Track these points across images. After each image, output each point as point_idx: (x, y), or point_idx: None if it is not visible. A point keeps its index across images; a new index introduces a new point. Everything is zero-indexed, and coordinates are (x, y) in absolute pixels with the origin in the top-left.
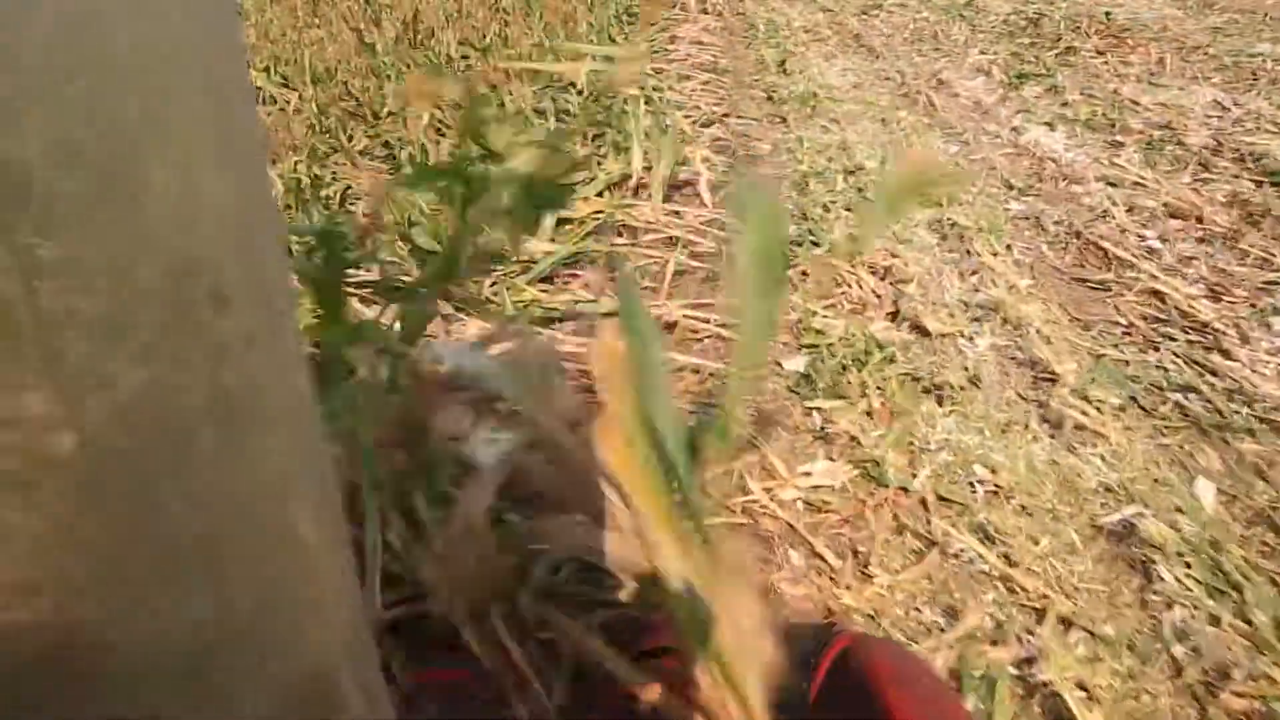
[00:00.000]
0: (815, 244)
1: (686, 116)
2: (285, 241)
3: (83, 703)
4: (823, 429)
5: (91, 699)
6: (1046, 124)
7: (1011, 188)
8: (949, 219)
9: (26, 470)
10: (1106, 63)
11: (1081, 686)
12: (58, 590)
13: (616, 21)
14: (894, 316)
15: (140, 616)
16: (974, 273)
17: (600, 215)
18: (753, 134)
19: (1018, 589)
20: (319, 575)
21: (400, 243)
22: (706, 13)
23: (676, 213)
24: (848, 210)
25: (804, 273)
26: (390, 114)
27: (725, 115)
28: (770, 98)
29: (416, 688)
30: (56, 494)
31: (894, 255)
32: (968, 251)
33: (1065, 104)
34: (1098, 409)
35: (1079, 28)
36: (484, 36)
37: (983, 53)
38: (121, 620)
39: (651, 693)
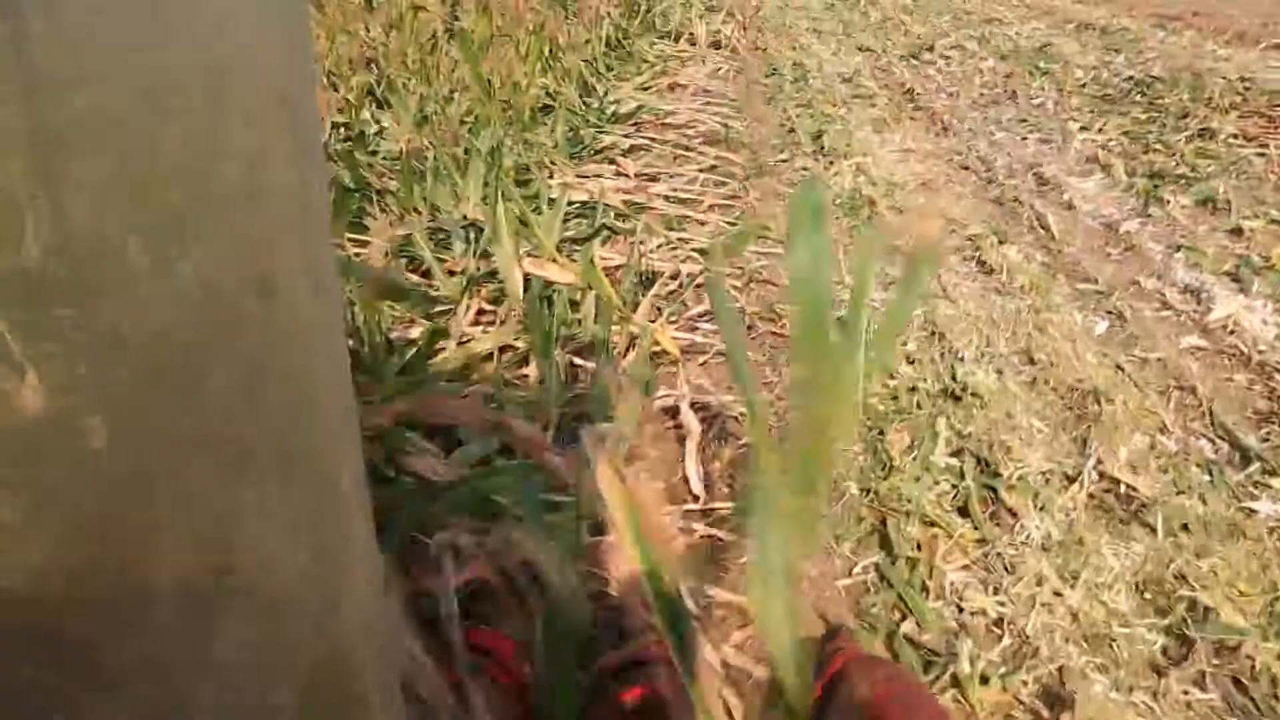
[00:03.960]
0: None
1: (667, 276)
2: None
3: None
4: None
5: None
6: (1231, 278)
7: (1247, 456)
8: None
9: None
10: (1264, 154)
11: None
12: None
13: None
14: None
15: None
16: None
17: None
18: (778, 283)
19: None
20: (354, 543)
21: None
22: (718, 47)
23: None
24: (963, 514)
25: None
26: None
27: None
28: None
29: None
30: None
31: None
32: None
33: (1239, 233)
34: None
35: (1206, 97)
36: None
37: (1085, 129)
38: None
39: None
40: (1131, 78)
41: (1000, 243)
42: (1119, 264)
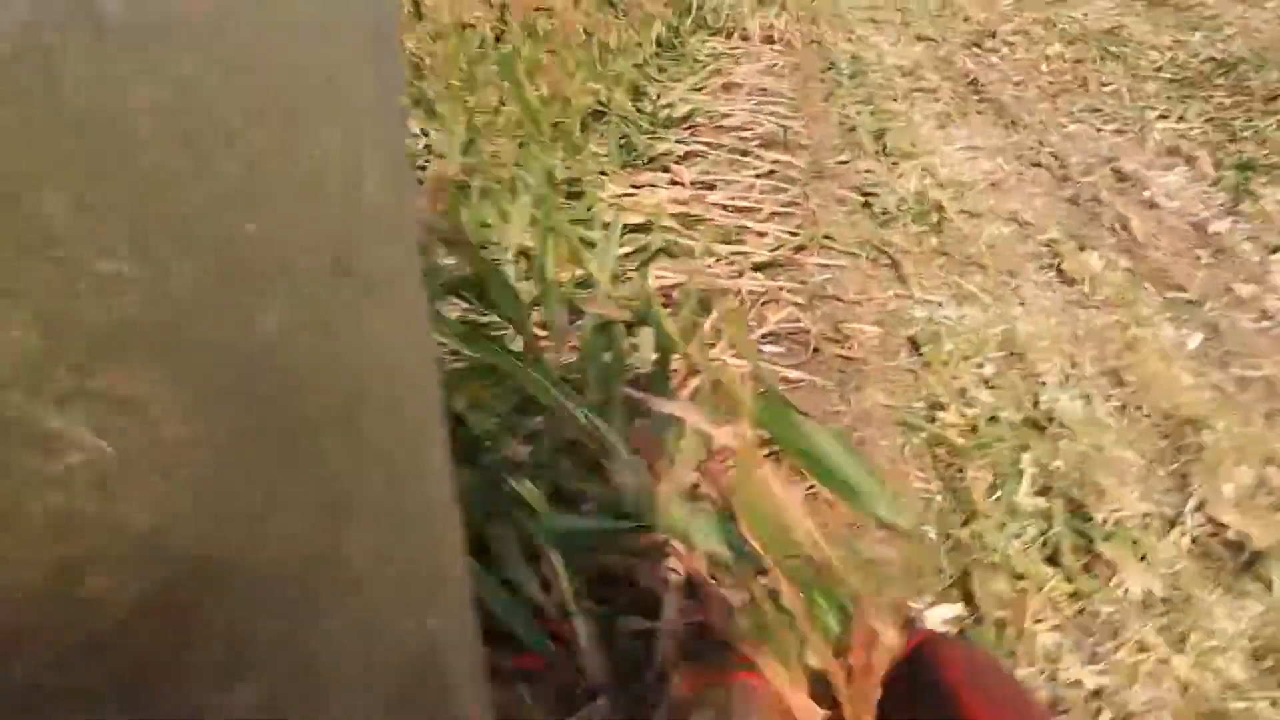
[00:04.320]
0: None
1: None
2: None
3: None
4: None
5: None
6: None
7: None
8: None
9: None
10: None
11: None
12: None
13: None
14: None
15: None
16: None
17: None
18: (845, 299)
19: None
20: (441, 545)
21: None
22: (772, 42)
23: None
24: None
25: None
26: None
27: (797, 252)
28: (867, 204)
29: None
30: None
31: None
32: None
33: None
34: None
35: None
36: None
37: (1164, 117)
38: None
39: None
40: (1212, 59)
41: (1080, 249)
42: (1211, 268)
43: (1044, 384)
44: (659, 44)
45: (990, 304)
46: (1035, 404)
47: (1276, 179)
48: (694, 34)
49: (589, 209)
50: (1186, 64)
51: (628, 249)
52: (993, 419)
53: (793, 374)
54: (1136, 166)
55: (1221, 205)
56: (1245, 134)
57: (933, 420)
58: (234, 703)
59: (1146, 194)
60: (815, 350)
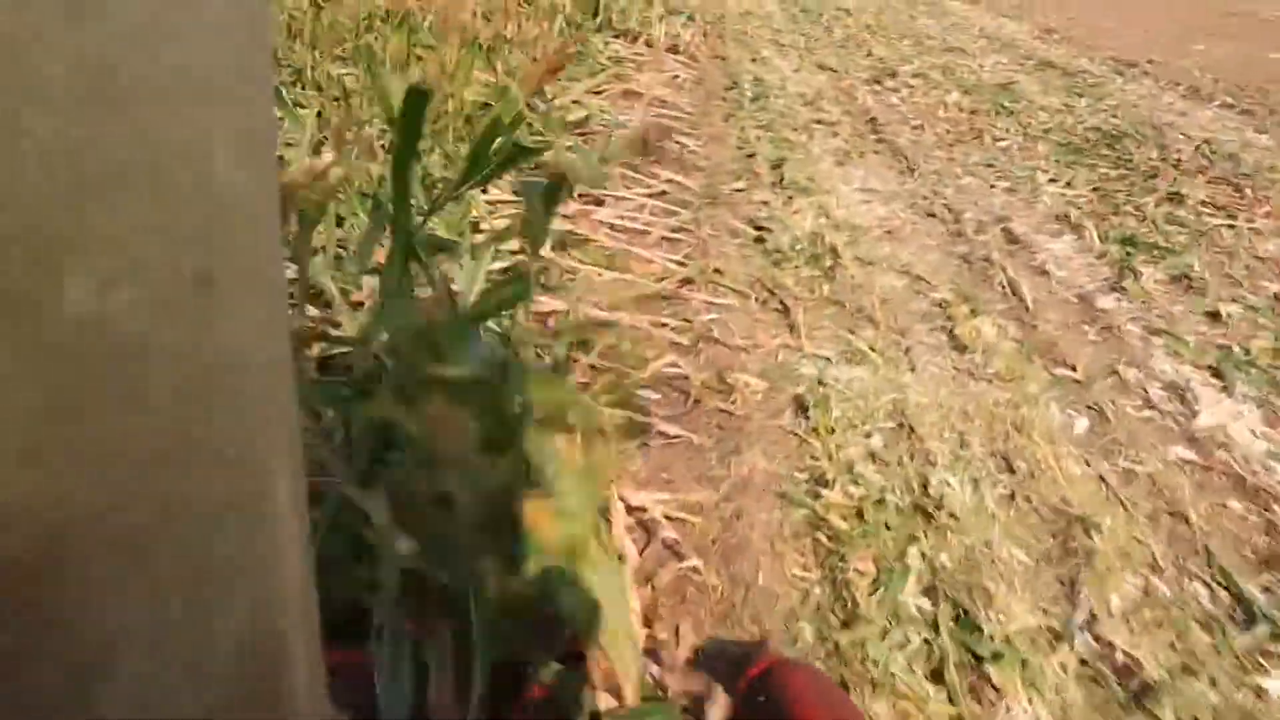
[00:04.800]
0: None
1: (604, 328)
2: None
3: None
4: None
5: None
6: (1213, 373)
7: (1250, 612)
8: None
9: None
10: (1234, 226)
11: None
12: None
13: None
14: None
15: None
16: None
17: None
18: (731, 344)
19: None
20: (279, 526)
21: None
22: (677, 52)
23: None
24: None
25: None
26: None
27: (684, 285)
28: (760, 239)
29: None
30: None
31: None
32: None
33: (1216, 317)
34: None
35: (1174, 159)
36: None
37: (1054, 181)
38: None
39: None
40: (1098, 128)
41: (972, 312)
42: (1097, 346)
43: (933, 463)
44: (562, 39)
45: (881, 366)
46: (924, 486)
47: (1156, 259)
48: (598, 33)
49: (461, 218)
50: (1074, 129)
51: (501, 264)
52: (879, 501)
53: (670, 428)
54: (1027, 230)
55: (1106, 280)
56: (1128, 208)
57: (816, 496)
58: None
59: (1037, 259)
60: (696, 401)
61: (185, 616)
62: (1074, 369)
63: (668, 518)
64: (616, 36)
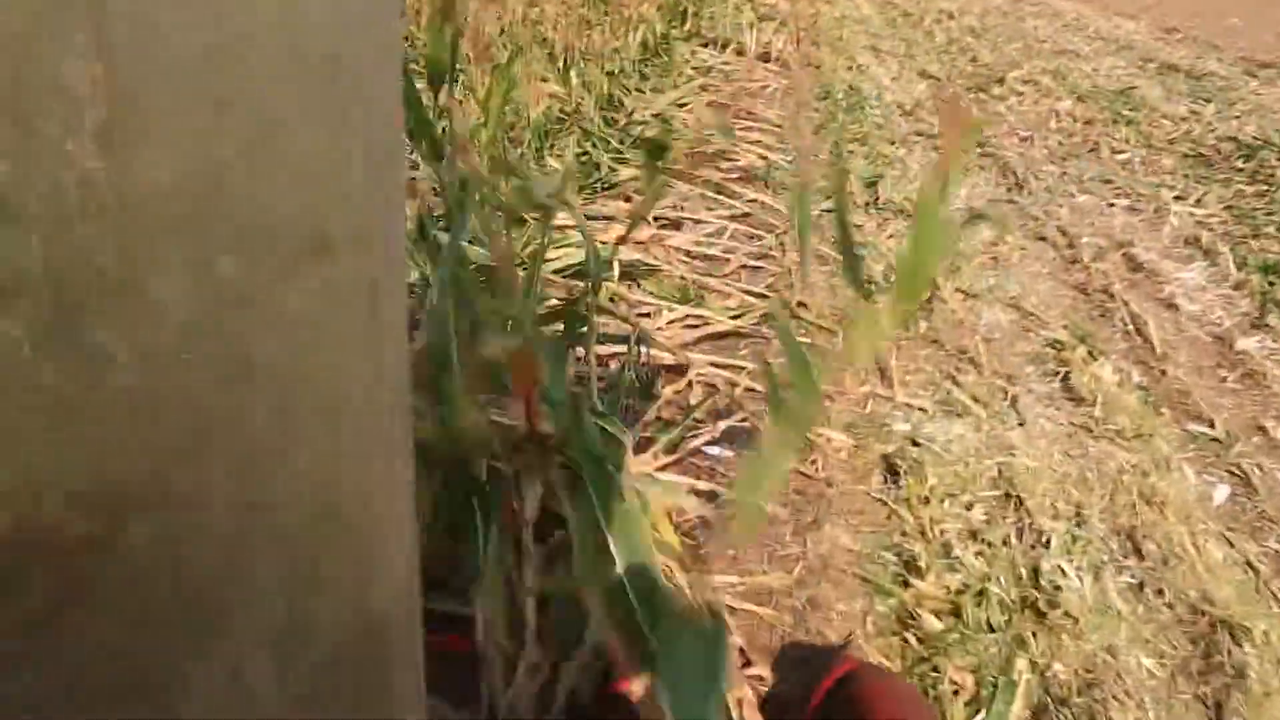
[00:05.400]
0: None
1: (673, 376)
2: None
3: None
4: None
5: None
6: None
7: None
8: None
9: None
10: None
11: None
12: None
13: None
14: None
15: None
16: None
17: None
18: None
19: None
20: (384, 516)
21: None
22: (767, 60)
23: None
24: None
25: None
26: None
27: (765, 320)
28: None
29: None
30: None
31: None
32: None
33: None
34: None
35: None
36: None
37: (1181, 198)
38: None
39: None
40: (1231, 138)
41: (1089, 355)
42: (1237, 396)
43: (1045, 544)
44: (644, 48)
45: (984, 420)
46: (1035, 574)
47: None
48: (686, 41)
49: (523, 246)
50: (1202, 139)
51: (561, 296)
52: (980, 593)
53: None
54: (1152, 256)
55: (1246, 315)
56: (1269, 230)
57: (906, 584)
58: (157, 647)
59: (1164, 291)
60: None
61: (284, 610)
62: (1211, 424)
63: (731, 609)
64: (705, 45)
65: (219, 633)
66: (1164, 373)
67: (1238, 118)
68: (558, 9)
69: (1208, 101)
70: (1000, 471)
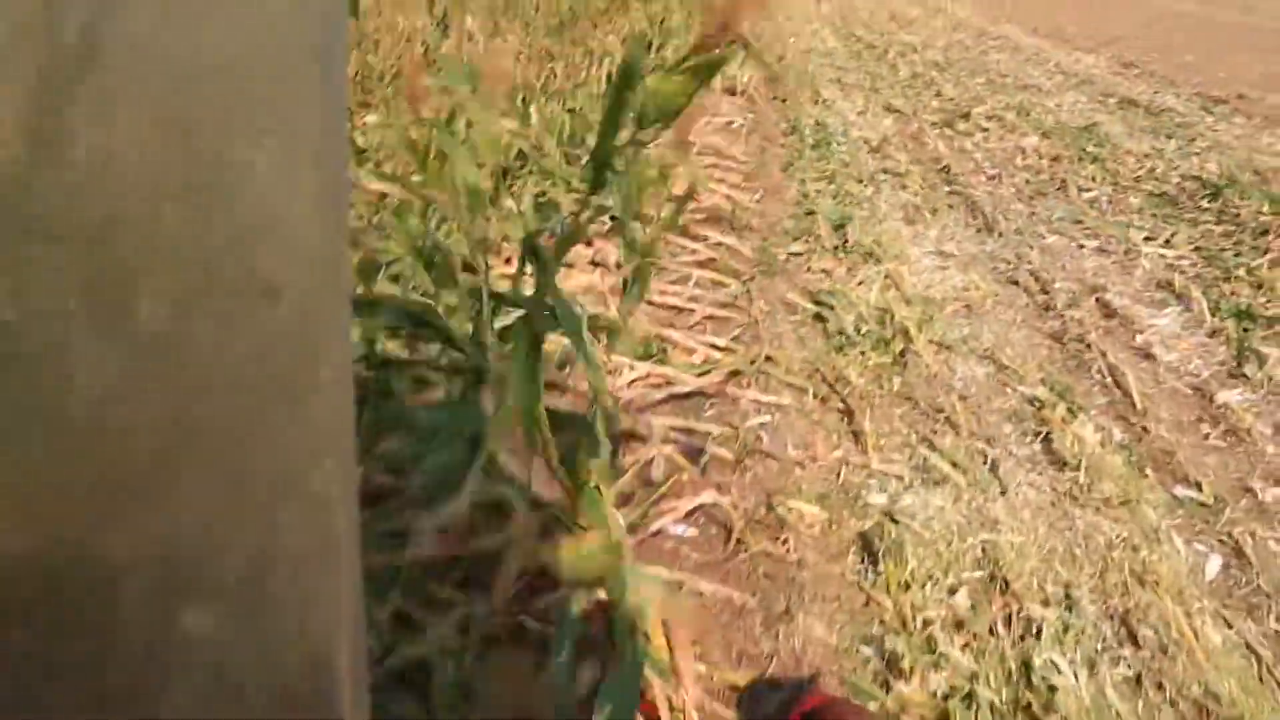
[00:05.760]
0: None
1: (634, 444)
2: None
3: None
4: None
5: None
6: None
7: None
8: None
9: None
10: None
11: None
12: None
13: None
14: None
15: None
16: None
17: None
18: (782, 457)
19: None
20: (332, 542)
21: None
22: (734, 94)
23: None
24: None
25: None
26: None
27: (732, 377)
28: (820, 317)
29: None
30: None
31: None
32: None
33: None
34: None
35: None
36: None
37: (1150, 239)
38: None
39: None
40: (1195, 176)
41: (1070, 412)
42: (1222, 454)
43: (1036, 633)
44: (608, 83)
45: (964, 489)
46: (1026, 670)
47: (1279, 335)
48: (649, 74)
49: (470, 293)
50: (1166, 177)
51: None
52: (968, 696)
53: (704, 584)
54: (1125, 301)
55: (1223, 364)
56: (1239, 272)
57: (887, 687)
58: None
59: (1140, 339)
60: (738, 542)
61: (237, 639)
62: (1199, 487)
63: (700, 709)
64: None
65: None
66: (1146, 430)
67: (1198, 154)
68: (520, 40)
69: (1169, 138)
70: (984, 550)
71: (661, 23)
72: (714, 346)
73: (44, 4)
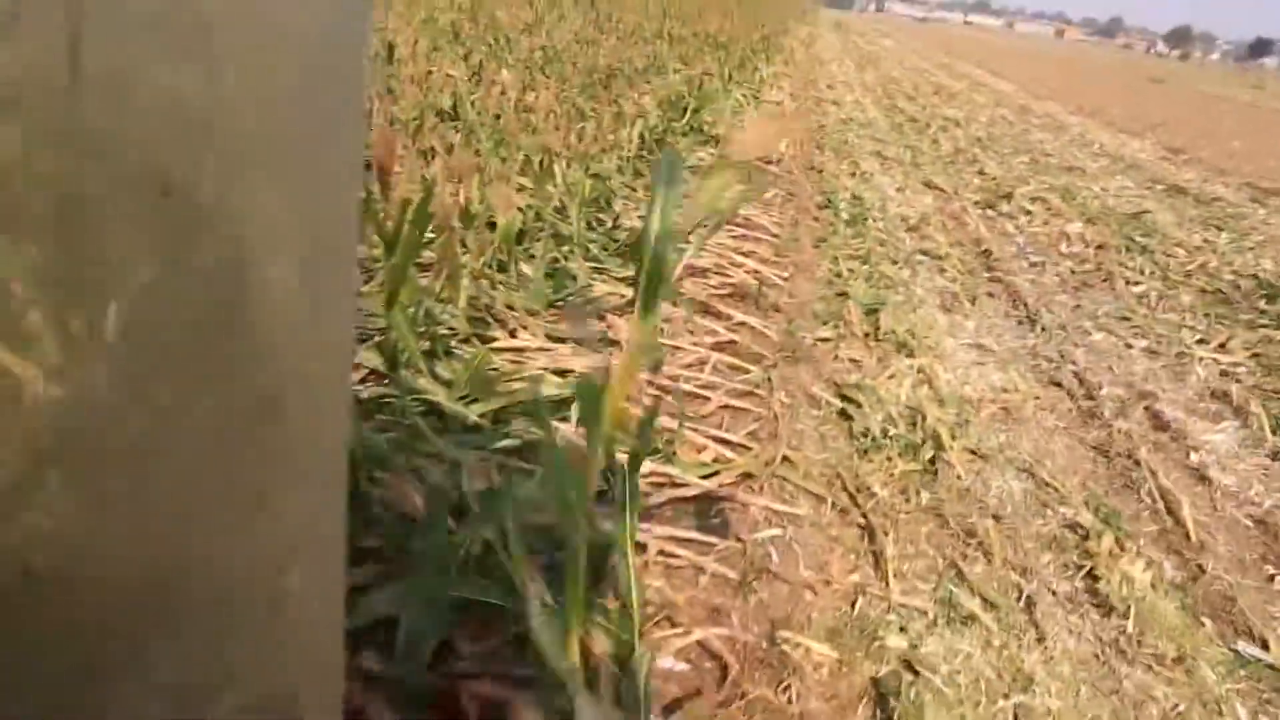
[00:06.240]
0: None
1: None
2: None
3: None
4: None
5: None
6: None
7: None
8: None
9: None
10: None
11: None
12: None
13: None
14: None
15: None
16: None
17: None
18: (792, 580)
19: None
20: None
21: None
22: (768, 162)
23: None
24: None
25: None
26: None
27: (743, 480)
28: (845, 413)
29: None
30: None
31: None
32: None
33: None
34: None
35: None
36: None
37: (1203, 341)
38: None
39: None
40: (1251, 274)
41: (1118, 544)
42: None
43: None
44: (641, 147)
45: (994, 634)
46: None
47: None
48: (684, 138)
49: (472, 367)
50: (1219, 273)
51: (507, 444)
52: None
53: None
54: (1179, 413)
55: None
56: None
57: None
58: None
59: (1194, 458)
60: (735, 685)
61: (207, 671)
62: (1264, 645)
63: None
64: (704, 143)
65: None
66: (1202, 568)
67: (1252, 249)
68: (554, 96)
69: (1220, 230)
70: (1016, 716)
71: (700, 87)
72: (726, 442)
73: None
